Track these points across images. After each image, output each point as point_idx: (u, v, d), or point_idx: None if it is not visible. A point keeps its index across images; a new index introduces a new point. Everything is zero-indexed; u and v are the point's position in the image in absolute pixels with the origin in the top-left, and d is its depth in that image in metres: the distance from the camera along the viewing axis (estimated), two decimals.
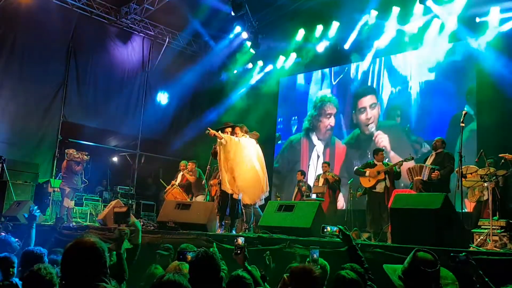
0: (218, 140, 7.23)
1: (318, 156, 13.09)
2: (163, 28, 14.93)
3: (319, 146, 13.22)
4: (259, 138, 7.87)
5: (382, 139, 11.91)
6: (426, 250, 2.53)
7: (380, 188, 8.42)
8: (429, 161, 7.68)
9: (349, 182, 10.73)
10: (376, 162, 8.67)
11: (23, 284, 2.94)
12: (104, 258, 2.26)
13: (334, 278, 2.98)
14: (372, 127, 12.27)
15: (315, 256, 3.37)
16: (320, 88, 13.79)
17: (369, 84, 12.59)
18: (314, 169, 12.81)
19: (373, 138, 12.12)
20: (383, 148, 9.63)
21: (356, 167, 9.55)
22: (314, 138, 13.43)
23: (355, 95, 12.86)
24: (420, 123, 11.32)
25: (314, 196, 10.30)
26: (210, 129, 7.31)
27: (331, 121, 13.13)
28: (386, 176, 8.41)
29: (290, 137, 14.06)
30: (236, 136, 7.34)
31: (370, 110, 12.43)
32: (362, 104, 12.64)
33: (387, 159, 9.62)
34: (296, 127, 14.16)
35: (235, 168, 7.14)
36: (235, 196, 7.11)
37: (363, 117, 12.55)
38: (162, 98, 15.57)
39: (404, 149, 11.11)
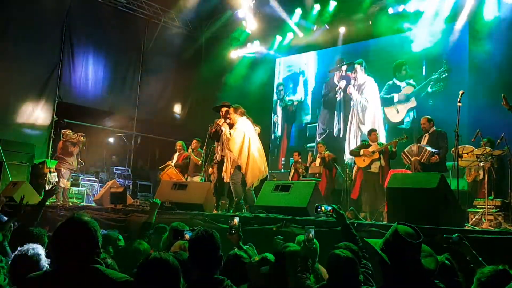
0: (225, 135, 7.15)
1: (337, 123, 13.26)
2: (159, 7, 14.74)
3: (338, 109, 13.33)
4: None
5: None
6: (406, 224, 2.54)
7: (375, 168, 8.53)
8: (424, 142, 7.67)
9: (345, 163, 10.76)
10: (370, 143, 8.76)
11: (12, 264, 2.93)
12: (97, 238, 2.23)
13: (329, 257, 2.98)
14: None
15: (310, 235, 3.37)
16: (321, 68, 13.82)
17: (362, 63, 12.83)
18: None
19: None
20: (376, 128, 9.66)
21: (351, 149, 9.63)
22: (333, 101, 13.46)
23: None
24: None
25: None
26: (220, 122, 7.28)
27: (346, 85, 13.19)
28: (381, 156, 8.48)
29: (310, 102, 14.03)
30: (230, 116, 7.22)
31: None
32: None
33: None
34: (296, 106, 14.26)
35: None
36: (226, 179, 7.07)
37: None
38: (158, 78, 15.44)
39: None
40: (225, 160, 7.10)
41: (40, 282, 2.18)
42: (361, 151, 8.72)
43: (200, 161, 9.89)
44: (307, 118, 13.95)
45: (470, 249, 3.03)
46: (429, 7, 11.18)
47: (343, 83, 13.24)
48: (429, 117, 7.90)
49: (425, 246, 2.58)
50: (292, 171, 11.15)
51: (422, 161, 7.33)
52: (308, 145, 13.51)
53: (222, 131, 7.24)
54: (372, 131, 9.00)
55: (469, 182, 8.32)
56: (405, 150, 7.81)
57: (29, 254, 2.86)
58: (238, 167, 6.98)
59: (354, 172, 9.52)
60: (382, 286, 2.52)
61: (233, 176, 6.96)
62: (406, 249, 2.40)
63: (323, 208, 3.93)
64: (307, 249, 3.33)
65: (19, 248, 2.93)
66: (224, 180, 7.13)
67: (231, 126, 7.18)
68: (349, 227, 3.73)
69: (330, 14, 12.79)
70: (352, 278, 2.86)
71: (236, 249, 3.44)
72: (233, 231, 3.63)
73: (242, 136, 6.98)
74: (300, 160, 11.15)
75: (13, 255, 2.96)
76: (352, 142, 12.47)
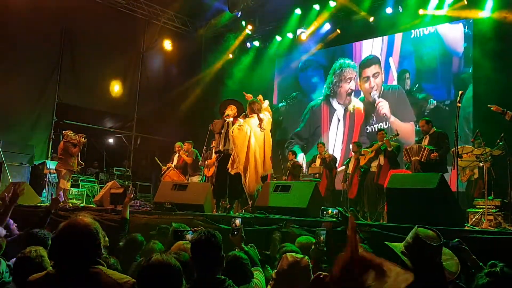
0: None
1: (339, 120, 13.25)
2: (158, 8, 14.74)
3: (339, 110, 13.32)
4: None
5: (383, 107, 12.25)
6: (427, 227, 2.55)
7: (374, 166, 8.76)
8: (425, 143, 7.69)
9: (345, 163, 10.77)
10: (379, 142, 8.95)
11: (14, 266, 2.93)
12: (99, 239, 2.23)
13: (337, 257, 2.97)
14: (374, 94, 12.49)
15: (322, 237, 3.36)
16: (321, 68, 13.86)
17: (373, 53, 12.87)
18: (334, 134, 13.20)
19: (375, 105, 12.42)
20: (384, 128, 9.71)
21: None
22: (334, 103, 13.46)
23: (359, 65, 13.06)
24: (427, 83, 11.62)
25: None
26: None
27: (352, 85, 13.15)
28: (379, 155, 8.65)
29: (310, 103, 14.01)
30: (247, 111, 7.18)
31: (373, 79, 12.62)
32: (365, 74, 12.84)
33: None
34: (296, 106, 14.29)
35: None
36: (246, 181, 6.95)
37: (366, 85, 12.76)
38: (158, 79, 15.45)
39: (406, 112, 11.77)
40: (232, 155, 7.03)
41: (42, 283, 2.19)
42: (363, 151, 9.08)
43: (191, 159, 10.00)
44: (309, 119, 13.95)
45: (470, 254, 3.03)
46: (430, 6, 11.22)
47: (343, 83, 13.26)
48: (427, 118, 7.93)
49: (446, 249, 2.60)
50: (288, 171, 11.19)
51: (422, 160, 7.35)
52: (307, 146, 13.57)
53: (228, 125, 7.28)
54: (379, 131, 9.17)
55: (463, 182, 8.38)
56: (407, 147, 7.87)
57: (31, 256, 2.86)
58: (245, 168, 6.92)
59: (350, 167, 9.64)
60: None
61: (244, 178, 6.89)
62: (426, 252, 2.42)
63: (330, 211, 3.94)
64: (318, 252, 3.33)
65: (21, 251, 2.94)
66: (229, 171, 6.98)
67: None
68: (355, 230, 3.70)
69: (330, 13, 12.79)
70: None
71: (236, 250, 3.44)
72: (235, 232, 3.63)
73: (244, 135, 6.92)
74: (294, 158, 11.23)
75: (16, 258, 2.96)
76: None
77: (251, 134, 6.87)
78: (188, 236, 3.63)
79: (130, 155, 14.76)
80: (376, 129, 11.85)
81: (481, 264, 2.94)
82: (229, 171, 6.93)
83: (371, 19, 12.14)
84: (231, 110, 7.46)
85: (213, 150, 8.26)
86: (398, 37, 12.22)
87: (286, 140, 14.02)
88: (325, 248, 3.36)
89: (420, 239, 2.45)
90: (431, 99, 11.31)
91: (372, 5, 12.00)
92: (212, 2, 14.04)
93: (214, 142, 7.84)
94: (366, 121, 12.56)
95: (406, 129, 11.43)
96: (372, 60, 12.74)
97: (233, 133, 6.88)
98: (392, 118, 11.95)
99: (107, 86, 14.19)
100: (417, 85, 11.67)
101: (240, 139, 6.84)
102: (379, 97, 12.37)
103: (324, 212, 3.93)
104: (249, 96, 7.27)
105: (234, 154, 6.91)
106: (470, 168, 8.03)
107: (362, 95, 12.85)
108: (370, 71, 12.73)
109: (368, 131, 12.40)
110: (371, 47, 12.82)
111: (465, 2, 10.53)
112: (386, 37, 12.45)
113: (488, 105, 6.50)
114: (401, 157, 8.61)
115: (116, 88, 14.46)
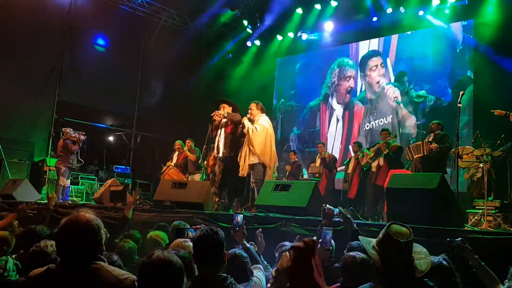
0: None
1: (338, 120, 13.22)
2: (159, 6, 14.74)
3: (338, 110, 13.29)
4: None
5: (394, 91, 12.15)
6: (402, 224, 2.55)
7: (374, 166, 8.74)
8: (428, 140, 7.74)
9: (345, 162, 10.77)
10: (382, 142, 9.02)
11: (27, 260, 2.92)
12: (100, 235, 2.23)
13: (343, 258, 2.98)
14: (383, 82, 12.39)
15: (327, 237, 3.34)
16: (321, 68, 13.83)
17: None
18: (333, 134, 13.18)
19: (385, 91, 12.29)
20: (387, 128, 9.68)
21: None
22: (333, 102, 13.43)
23: (362, 58, 13.00)
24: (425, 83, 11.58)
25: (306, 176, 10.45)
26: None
27: (351, 83, 13.12)
28: (379, 155, 8.67)
29: (309, 103, 14.00)
30: (251, 112, 7.16)
31: (380, 67, 12.56)
32: (373, 63, 12.77)
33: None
34: (297, 108, 14.27)
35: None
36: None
37: (375, 74, 12.65)
38: (158, 77, 15.44)
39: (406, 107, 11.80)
40: (243, 155, 7.02)
41: (43, 278, 2.19)
42: (364, 152, 9.10)
43: (195, 157, 9.99)
44: (308, 120, 13.96)
45: (473, 254, 3.03)
46: (430, 7, 11.23)
47: (342, 82, 13.25)
48: (437, 121, 7.99)
49: (423, 249, 2.60)
50: (288, 172, 11.21)
51: (425, 153, 7.41)
52: (308, 149, 13.51)
53: (224, 124, 7.29)
54: (382, 131, 9.15)
55: (466, 180, 8.42)
56: (410, 145, 7.92)
57: (47, 250, 2.85)
58: (261, 165, 6.94)
59: (350, 167, 9.64)
60: (373, 284, 2.51)
61: (255, 174, 6.90)
62: (393, 248, 2.43)
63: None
64: (324, 252, 3.33)
65: (36, 244, 2.92)
66: (240, 175, 7.01)
67: (251, 121, 7.10)
68: (358, 232, 3.70)
69: (331, 13, 12.80)
70: (365, 280, 2.84)
71: (236, 248, 3.45)
72: (237, 228, 3.63)
73: (265, 133, 6.95)
74: (296, 160, 11.23)
75: (31, 249, 2.94)
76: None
77: (269, 127, 7.01)
78: (190, 234, 3.63)
79: (130, 153, 14.76)
80: (377, 125, 11.86)
81: (483, 264, 2.95)
82: (239, 174, 6.99)
83: (374, 18, 12.14)
84: (220, 116, 7.44)
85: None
86: (395, 38, 12.23)
87: (285, 141, 14.01)
88: (331, 248, 3.35)
89: (388, 235, 2.46)
90: (429, 100, 11.32)
91: (372, 5, 12.00)
92: (213, 1, 14.04)
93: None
94: (365, 119, 12.53)
95: (408, 119, 11.56)
96: (375, 53, 12.75)
97: (252, 132, 6.90)
98: (402, 104, 11.97)
99: (107, 83, 14.18)
100: (415, 86, 11.67)
101: (261, 136, 6.89)
102: (387, 84, 12.36)
103: (325, 211, 3.91)
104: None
105: (245, 155, 6.92)
106: (474, 167, 8.06)
107: (362, 91, 12.78)
108: (376, 61, 12.69)
109: (368, 127, 12.37)
110: (367, 47, 12.85)
111: (466, 2, 10.56)
112: (382, 38, 12.48)
113: (491, 110, 6.50)
114: (404, 156, 8.64)
115: (116, 86, 14.46)
